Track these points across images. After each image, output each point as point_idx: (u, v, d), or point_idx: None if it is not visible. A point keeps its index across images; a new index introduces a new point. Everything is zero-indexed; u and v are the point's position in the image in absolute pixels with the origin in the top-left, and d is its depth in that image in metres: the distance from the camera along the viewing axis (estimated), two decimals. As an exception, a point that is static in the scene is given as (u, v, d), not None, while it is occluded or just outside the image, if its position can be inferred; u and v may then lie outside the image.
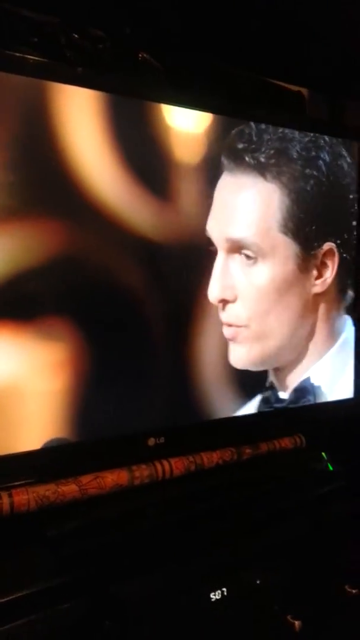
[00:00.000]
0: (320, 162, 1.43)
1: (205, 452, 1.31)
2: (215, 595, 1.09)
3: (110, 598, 0.97)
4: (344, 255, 1.49)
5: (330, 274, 1.45)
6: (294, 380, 1.47)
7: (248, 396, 1.41)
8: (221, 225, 1.30)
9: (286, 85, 1.63)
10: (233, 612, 1.12)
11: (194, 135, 1.27)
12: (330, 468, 1.47)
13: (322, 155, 1.43)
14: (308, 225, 1.40)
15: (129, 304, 1.21)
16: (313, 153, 1.41)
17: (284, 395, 1.46)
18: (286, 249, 1.36)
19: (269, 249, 1.33)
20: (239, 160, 1.31)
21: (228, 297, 1.32)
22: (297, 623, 1.16)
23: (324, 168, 1.43)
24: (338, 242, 1.47)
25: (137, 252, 1.21)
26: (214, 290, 1.30)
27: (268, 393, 1.43)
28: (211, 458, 1.31)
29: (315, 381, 1.49)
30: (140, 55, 1.29)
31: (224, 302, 1.32)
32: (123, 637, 0.97)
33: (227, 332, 1.34)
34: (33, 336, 1.08)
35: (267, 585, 1.16)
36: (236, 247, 1.31)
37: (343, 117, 1.78)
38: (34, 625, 0.90)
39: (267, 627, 1.17)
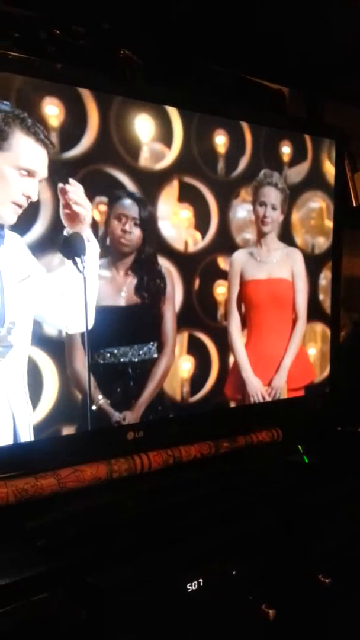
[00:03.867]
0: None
1: (183, 445, 1.32)
2: (191, 586, 1.11)
3: (88, 588, 0.99)
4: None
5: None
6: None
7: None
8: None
9: (267, 83, 1.64)
10: (209, 602, 1.13)
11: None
12: (306, 460, 1.50)
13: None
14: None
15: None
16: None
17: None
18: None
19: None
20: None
21: None
22: (271, 612, 1.18)
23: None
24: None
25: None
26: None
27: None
28: (189, 452, 1.33)
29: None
30: (121, 51, 1.29)
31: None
32: (100, 626, 0.99)
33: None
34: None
35: (243, 575, 1.18)
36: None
37: (322, 116, 1.80)
38: (12, 615, 0.91)
39: (242, 617, 1.19)
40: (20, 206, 1.10)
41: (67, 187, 1.15)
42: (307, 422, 1.62)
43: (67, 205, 1.15)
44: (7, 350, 1.11)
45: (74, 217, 1.16)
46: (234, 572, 1.17)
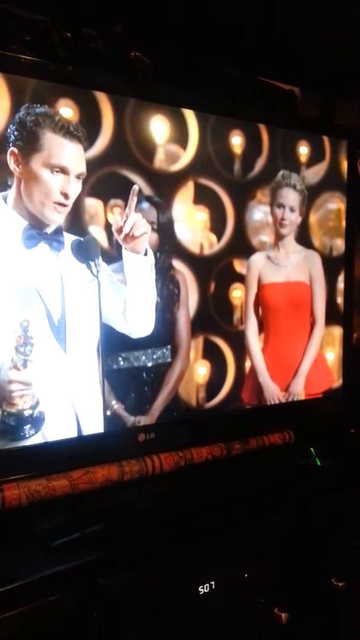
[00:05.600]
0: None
1: (195, 447, 1.32)
2: (203, 589, 1.11)
3: (100, 590, 0.99)
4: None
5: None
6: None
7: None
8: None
9: (279, 84, 1.63)
10: (221, 605, 1.13)
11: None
12: (319, 463, 1.49)
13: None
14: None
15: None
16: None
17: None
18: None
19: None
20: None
21: None
22: (283, 616, 1.18)
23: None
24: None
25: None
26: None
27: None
28: (201, 453, 1.33)
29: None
30: (132, 54, 1.29)
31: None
32: (112, 628, 0.99)
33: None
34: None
35: (255, 578, 1.17)
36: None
37: (334, 117, 1.79)
38: (25, 617, 0.91)
39: (254, 620, 1.19)
40: (62, 205, 1.10)
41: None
42: (319, 424, 1.60)
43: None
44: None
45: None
46: (245, 575, 1.17)
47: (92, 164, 1.16)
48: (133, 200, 1.17)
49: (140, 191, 1.20)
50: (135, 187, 1.18)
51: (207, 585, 1.11)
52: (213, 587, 1.12)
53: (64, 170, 1.09)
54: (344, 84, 1.76)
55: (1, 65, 1.04)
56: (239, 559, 1.17)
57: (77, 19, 1.25)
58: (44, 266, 1.12)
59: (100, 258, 1.16)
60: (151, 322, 1.26)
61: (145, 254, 1.21)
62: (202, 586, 1.11)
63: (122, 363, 1.26)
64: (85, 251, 1.15)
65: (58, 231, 1.13)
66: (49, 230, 1.12)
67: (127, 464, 1.21)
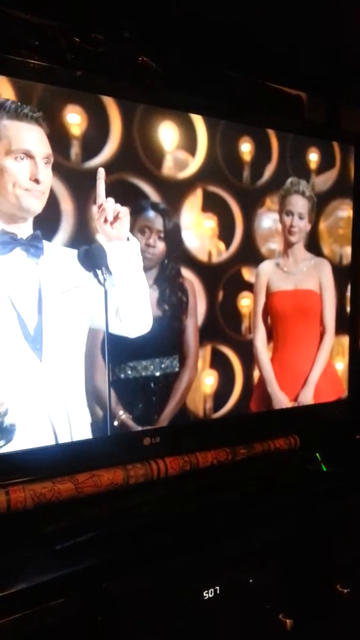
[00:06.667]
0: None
1: (200, 452, 1.32)
2: (208, 593, 1.10)
3: (104, 594, 0.99)
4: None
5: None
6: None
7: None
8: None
9: (286, 89, 1.63)
10: (225, 610, 1.13)
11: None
12: (324, 469, 1.48)
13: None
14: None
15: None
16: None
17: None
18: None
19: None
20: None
21: None
22: (288, 622, 1.17)
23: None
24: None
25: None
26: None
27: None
28: (206, 458, 1.33)
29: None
30: (140, 59, 1.30)
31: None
32: (116, 632, 0.99)
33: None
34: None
35: (260, 584, 1.17)
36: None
37: (340, 121, 1.79)
38: (30, 620, 0.91)
39: (259, 626, 1.18)
40: (37, 191, 1.07)
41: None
42: (325, 430, 1.60)
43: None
44: None
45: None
46: (250, 581, 1.16)
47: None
48: (101, 185, 1.15)
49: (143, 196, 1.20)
50: (101, 170, 1.15)
51: (212, 590, 1.11)
52: (218, 592, 1.12)
53: (28, 154, 1.06)
54: (348, 87, 1.75)
55: (11, 70, 1.04)
56: (243, 564, 1.17)
57: (84, 24, 1.25)
58: (18, 273, 1.09)
59: (106, 266, 1.14)
60: (147, 317, 1.23)
61: (128, 240, 1.18)
62: (206, 591, 1.10)
63: (129, 372, 1.25)
64: (92, 259, 1.14)
65: (36, 237, 1.10)
66: (25, 234, 1.09)
67: (132, 468, 1.21)
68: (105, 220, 1.15)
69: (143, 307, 1.22)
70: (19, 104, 1.05)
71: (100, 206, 1.15)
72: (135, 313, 1.20)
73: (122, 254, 1.17)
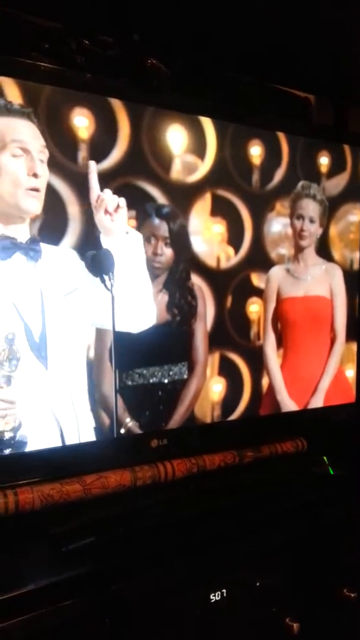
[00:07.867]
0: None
1: (207, 454, 1.32)
2: (215, 596, 1.11)
3: (112, 596, 0.99)
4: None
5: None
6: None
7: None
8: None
9: (294, 91, 1.63)
10: (232, 613, 1.13)
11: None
12: (331, 472, 1.48)
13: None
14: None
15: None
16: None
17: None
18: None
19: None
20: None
21: None
22: (295, 625, 1.17)
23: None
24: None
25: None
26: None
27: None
28: (213, 460, 1.33)
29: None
30: (148, 61, 1.30)
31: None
32: (123, 634, 0.99)
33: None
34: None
35: (267, 587, 1.17)
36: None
37: (347, 124, 1.78)
38: (38, 621, 0.91)
39: (265, 629, 1.18)
40: (35, 190, 1.06)
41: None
42: (332, 433, 1.59)
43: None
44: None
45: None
46: (257, 584, 1.16)
47: (107, 175, 1.15)
48: (93, 178, 1.13)
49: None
50: (92, 163, 1.13)
51: (219, 593, 1.11)
52: (224, 594, 1.12)
53: (25, 150, 1.05)
54: (356, 90, 1.74)
55: (21, 72, 1.05)
56: (250, 567, 1.17)
57: (93, 27, 1.25)
58: (20, 279, 1.08)
59: (114, 272, 1.14)
60: (150, 312, 1.21)
61: (127, 233, 1.17)
62: (213, 594, 1.11)
63: (137, 379, 1.24)
64: (100, 264, 1.13)
65: (34, 240, 1.09)
66: (23, 238, 1.08)
67: (139, 470, 1.21)
68: (106, 212, 1.14)
69: (145, 301, 1.20)
70: (8, 100, 1.04)
71: (97, 198, 1.14)
72: (137, 307, 1.19)
73: (122, 247, 1.16)
